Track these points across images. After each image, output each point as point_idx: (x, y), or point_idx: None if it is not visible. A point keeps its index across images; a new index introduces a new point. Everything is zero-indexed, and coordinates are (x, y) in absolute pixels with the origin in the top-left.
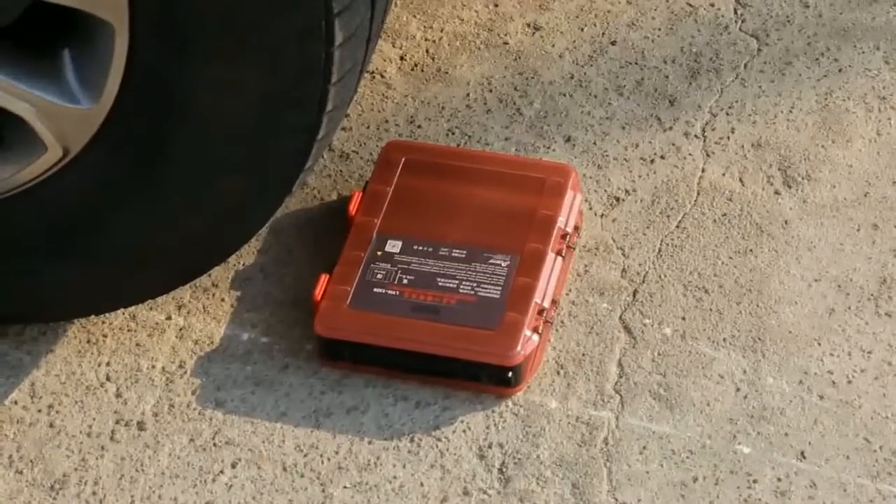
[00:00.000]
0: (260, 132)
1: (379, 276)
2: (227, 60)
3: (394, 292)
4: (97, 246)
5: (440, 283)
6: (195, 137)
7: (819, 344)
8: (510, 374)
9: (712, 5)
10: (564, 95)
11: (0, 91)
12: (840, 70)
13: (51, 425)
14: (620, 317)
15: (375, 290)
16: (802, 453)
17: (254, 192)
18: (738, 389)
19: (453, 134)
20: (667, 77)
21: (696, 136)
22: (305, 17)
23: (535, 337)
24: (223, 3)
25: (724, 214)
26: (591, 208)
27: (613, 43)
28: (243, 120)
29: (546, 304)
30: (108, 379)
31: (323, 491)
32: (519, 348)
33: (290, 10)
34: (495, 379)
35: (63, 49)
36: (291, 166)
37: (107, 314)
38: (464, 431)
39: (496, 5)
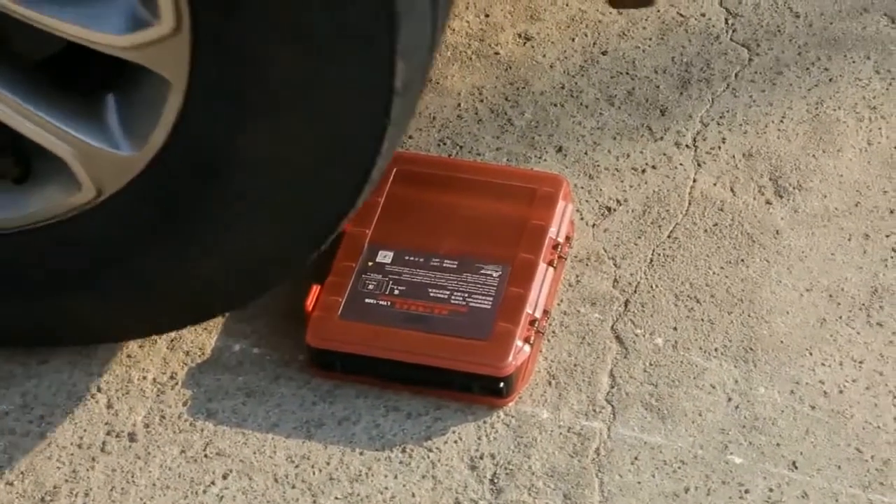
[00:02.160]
0: (308, 184)
1: (370, 286)
2: (286, 115)
3: (385, 303)
4: (113, 283)
5: (431, 294)
6: (236, 191)
7: (810, 354)
8: (502, 384)
9: (703, 15)
10: (555, 105)
11: (39, 129)
12: (831, 80)
13: (42, 436)
14: (612, 327)
15: (367, 300)
16: (794, 463)
17: (287, 240)
18: (729, 399)
19: (444, 144)
20: (658, 87)
21: (687, 145)
22: (371, 68)
23: (527, 347)
24: (293, 64)
25: (716, 224)
26: (582, 218)
27: (604, 53)
28: (293, 171)
29: (538, 315)
30: (99, 390)
31: (314, 502)
32: (510, 359)
33: (357, 65)
34: (487, 389)
35: (108, 93)
36: (334, 214)
37: None
38: (455, 442)
39: (487, 15)
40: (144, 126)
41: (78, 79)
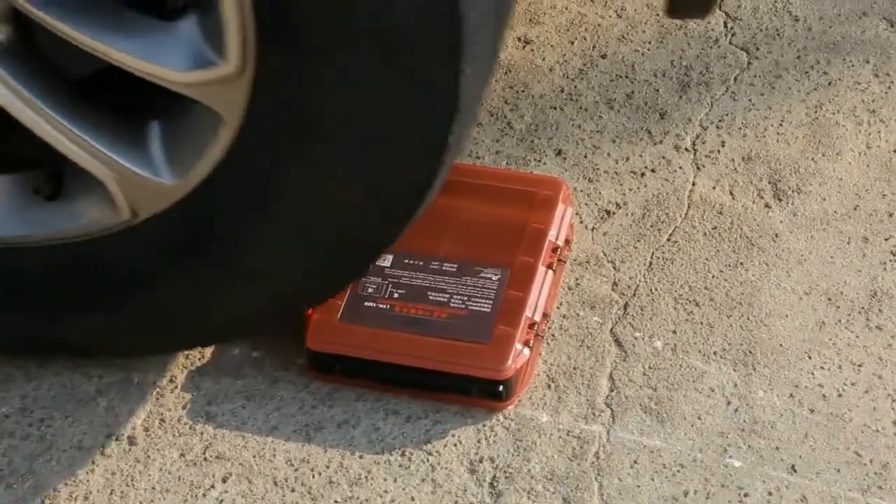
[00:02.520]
0: (352, 219)
1: (370, 289)
2: (341, 154)
3: (384, 306)
4: (140, 302)
5: (431, 297)
6: (280, 223)
7: (810, 357)
8: (501, 387)
9: (702, 19)
10: (555, 109)
11: (80, 150)
12: (830, 83)
13: (41, 439)
14: (611, 330)
15: (366, 303)
16: (793, 467)
17: (322, 272)
18: (728, 403)
19: None
20: (657, 90)
21: (686, 149)
22: (430, 113)
23: (526, 350)
24: (352, 107)
25: (715, 228)
26: (581, 222)
27: (604, 56)
28: (339, 208)
29: (537, 318)
30: (98, 393)
31: None
32: (510, 362)
33: (417, 111)
34: (486, 393)
35: (153, 120)
36: (375, 245)
37: None
38: (455, 445)
39: None
40: (189, 156)
41: (122, 102)
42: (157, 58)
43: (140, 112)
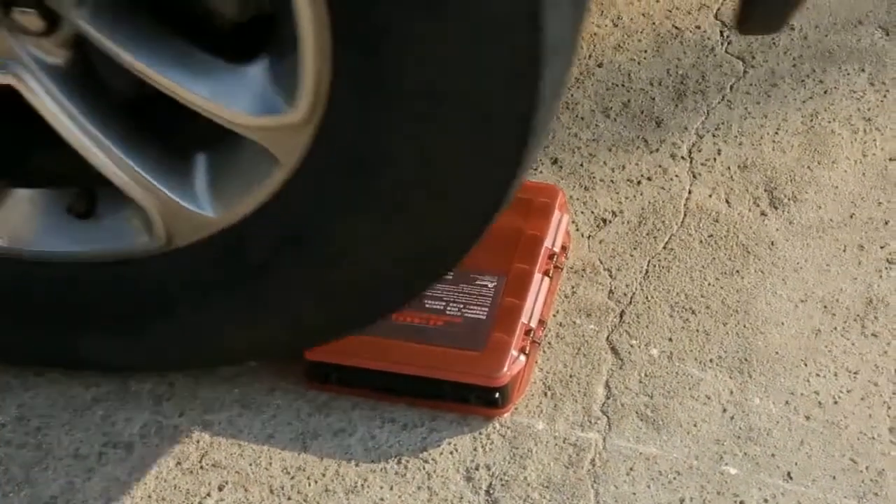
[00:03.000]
0: (398, 267)
1: None
2: (395, 210)
3: None
4: (158, 325)
5: (427, 305)
6: (313, 259)
7: (805, 364)
8: (497, 394)
9: (698, 27)
10: None
11: (123, 175)
12: (825, 92)
13: (38, 448)
14: (607, 338)
15: None
16: (789, 474)
17: (356, 312)
18: (724, 410)
19: None
20: (653, 99)
21: (682, 157)
22: (496, 164)
23: (522, 357)
24: (421, 152)
25: (711, 235)
26: (577, 230)
27: (600, 65)
28: (385, 245)
29: (533, 325)
30: (95, 401)
31: None
32: (506, 369)
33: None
34: (482, 400)
35: (200, 152)
36: (404, 292)
37: None
38: (451, 453)
39: None
40: (234, 193)
41: (171, 131)
42: (224, 100)
43: (188, 143)
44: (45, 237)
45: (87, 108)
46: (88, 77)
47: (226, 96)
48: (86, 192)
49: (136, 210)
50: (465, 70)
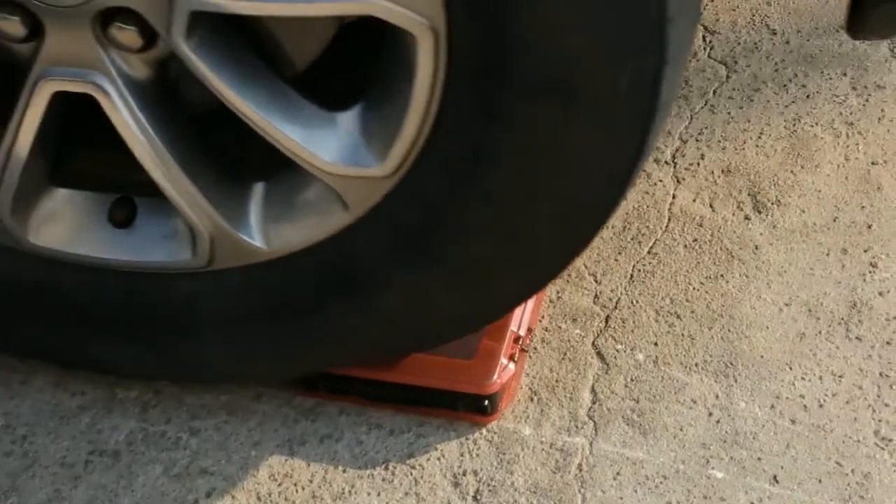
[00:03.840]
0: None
1: None
2: (444, 267)
3: None
4: (183, 338)
5: None
6: (355, 317)
7: (790, 368)
8: (487, 402)
9: None
10: None
11: (181, 193)
12: (808, 96)
13: (24, 456)
14: (593, 343)
15: None
16: (775, 477)
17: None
18: (710, 414)
19: None
20: None
21: (666, 162)
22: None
23: (512, 365)
24: (474, 236)
25: (695, 240)
26: None
27: None
28: (439, 301)
29: (522, 332)
30: (81, 409)
31: None
32: (495, 377)
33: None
34: (472, 407)
35: (258, 181)
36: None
37: None
38: (438, 459)
39: None
40: (288, 230)
41: (233, 156)
42: (312, 146)
43: (248, 170)
44: (82, 241)
45: (159, 123)
46: (165, 95)
47: (314, 142)
48: (127, 201)
49: (182, 226)
50: (565, 170)
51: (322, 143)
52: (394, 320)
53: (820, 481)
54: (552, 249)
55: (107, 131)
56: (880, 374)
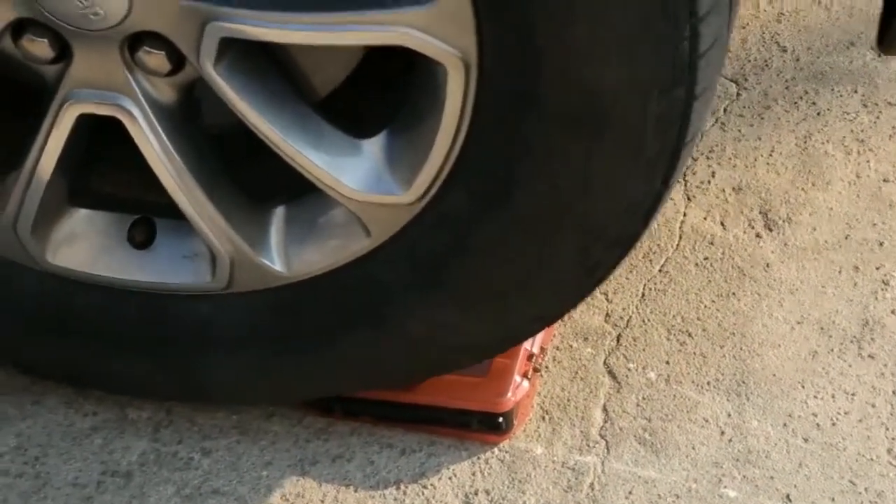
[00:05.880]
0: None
1: None
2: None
3: None
4: (200, 361)
5: None
6: (371, 327)
7: (803, 387)
8: (501, 419)
9: None
10: None
11: (203, 216)
12: (818, 113)
13: (36, 477)
14: (605, 361)
15: None
16: (788, 496)
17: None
18: (722, 433)
19: None
20: None
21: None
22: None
23: (525, 383)
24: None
25: (707, 258)
26: None
27: None
28: (453, 325)
29: (535, 350)
30: (94, 430)
31: None
32: (509, 394)
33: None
34: (486, 425)
35: (278, 205)
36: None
37: None
38: (450, 478)
39: None
40: (309, 253)
41: (254, 180)
42: (337, 171)
43: (268, 195)
44: (100, 262)
45: (183, 146)
46: (189, 118)
47: (339, 168)
48: (146, 222)
49: (202, 248)
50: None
51: (346, 169)
52: (411, 347)
53: (833, 500)
54: (573, 279)
55: (127, 152)
56: (893, 392)
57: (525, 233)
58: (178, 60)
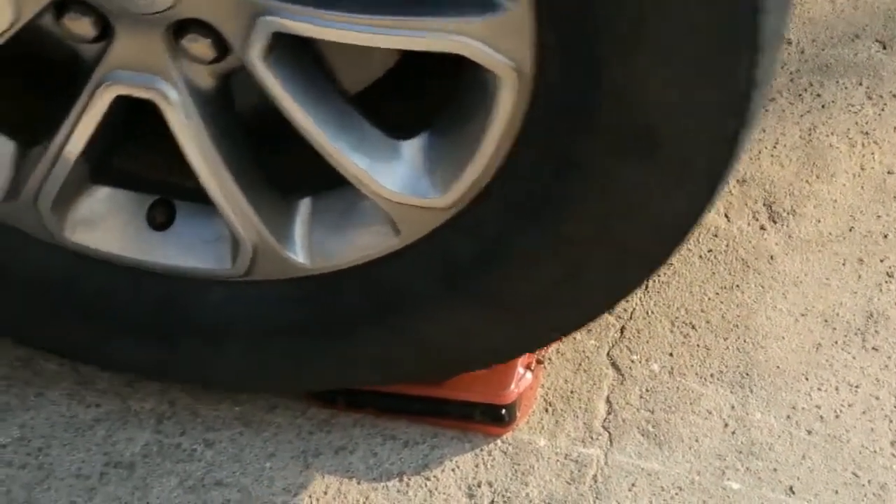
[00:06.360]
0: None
1: None
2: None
3: None
4: (214, 348)
5: None
6: (393, 342)
7: (806, 379)
8: (504, 411)
9: None
10: None
11: (229, 202)
12: (823, 106)
13: (39, 468)
14: (608, 353)
15: None
16: (791, 488)
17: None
18: (726, 425)
19: None
20: None
21: None
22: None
23: (529, 374)
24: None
25: (710, 250)
26: None
27: None
28: (481, 335)
29: None
30: (96, 421)
31: None
32: (513, 386)
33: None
34: (489, 417)
35: (305, 197)
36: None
37: None
38: (452, 470)
39: None
40: (333, 247)
41: (281, 170)
42: (374, 171)
43: (295, 185)
44: (118, 240)
45: (217, 133)
46: (224, 106)
47: (377, 168)
48: (166, 204)
49: (223, 234)
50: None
51: (384, 169)
52: (428, 348)
53: (836, 492)
54: (599, 293)
55: (153, 133)
56: None
57: (558, 248)
58: (222, 49)
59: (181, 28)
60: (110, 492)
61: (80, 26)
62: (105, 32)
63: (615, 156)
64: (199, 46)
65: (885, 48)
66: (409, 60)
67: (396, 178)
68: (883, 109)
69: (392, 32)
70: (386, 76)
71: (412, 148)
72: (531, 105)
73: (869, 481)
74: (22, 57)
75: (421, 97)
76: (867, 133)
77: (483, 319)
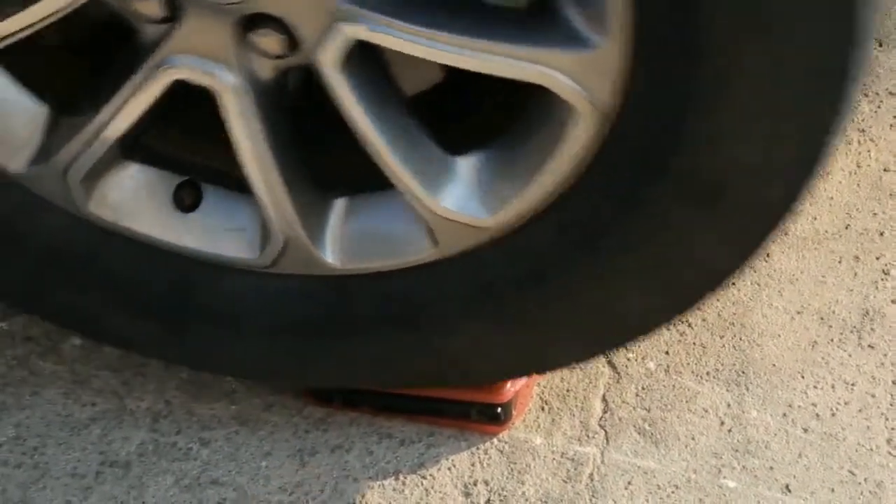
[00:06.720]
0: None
1: None
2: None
3: None
4: (227, 337)
5: None
6: (406, 341)
7: (802, 377)
8: (500, 410)
9: None
10: None
11: (269, 193)
12: None
13: (35, 467)
14: None
15: None
16: (787, 486)
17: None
18: (722, 423)
19: None
20: None
21: None
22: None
23: None
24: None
25: None
26: None
27: None
28: (506, 348)
29: None
30: (92, 420)
31: None
32: (508, 385)
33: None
34: (485, 416)
35: (339, 196)
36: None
37: (94, 352)
38: (449, 469)
39: None
40: (364, 250)
41: (319, 167)
42: (427, 184)
43: (332, 184)
44: (142, 218)
45: (268, 125)
46: (278, 99)
47: (429, 182)
48: (193, 186)
49: (251, 223)
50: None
51: (436, 183)
52: (445, 359)
53: (833, 490)
54: (624, 327)
55: (189, 114)
56: (893, 382)
57: (600, 281)
58: (291, 47)
59: (252, 21)
60: (106, 491)
61: (149, 6)
62: (173, 15)
63: (678, 200)
64: (269, 41)
65: (880, 45)
66: (464, 76)
67: (447, 194)
68: (879, 107)
69: (474, 55)
70: (442, 92)
71: (467, 165)
72: (605, 141)
73: (865, 479)
74: (76, 27)
75: (477, 114)
76: (863, 130)
77: (506, 339)
